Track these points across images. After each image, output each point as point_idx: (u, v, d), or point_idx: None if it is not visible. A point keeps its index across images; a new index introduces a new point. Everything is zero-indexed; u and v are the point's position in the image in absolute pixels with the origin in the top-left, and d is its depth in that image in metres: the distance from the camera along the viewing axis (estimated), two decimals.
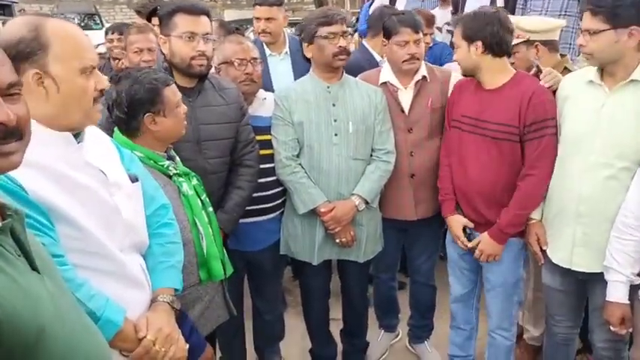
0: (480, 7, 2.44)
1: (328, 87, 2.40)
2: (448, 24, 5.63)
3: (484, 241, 2.32)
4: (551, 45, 2.63)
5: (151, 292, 1.50)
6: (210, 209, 1.95)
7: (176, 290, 1.58)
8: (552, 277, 2.28)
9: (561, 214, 2.15)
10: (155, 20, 3.20)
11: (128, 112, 1.77)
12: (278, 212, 2.52)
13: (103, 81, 1.37)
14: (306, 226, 2.46)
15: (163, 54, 2.18)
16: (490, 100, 2.27)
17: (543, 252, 2.26)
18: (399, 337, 3.19)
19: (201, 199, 1.90)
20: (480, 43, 2.20)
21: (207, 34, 2.10)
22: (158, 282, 1.53)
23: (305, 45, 2.37)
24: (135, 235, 1.48)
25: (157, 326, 1.40)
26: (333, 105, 2.39)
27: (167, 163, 1.84)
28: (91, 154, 1.38)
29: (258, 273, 2.62)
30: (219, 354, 2.65)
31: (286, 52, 3.31)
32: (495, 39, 2.20)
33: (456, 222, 2.41)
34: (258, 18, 3.26)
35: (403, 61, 2.46)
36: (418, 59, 2.48)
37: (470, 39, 2.22)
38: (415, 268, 2.89)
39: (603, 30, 1.92)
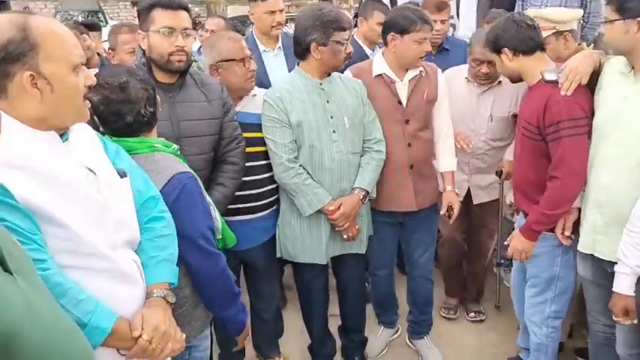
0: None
1: (321, 84, 2.38)
2: None
3: (515, 237, 2.35)
4: (574, 33, 2.65)
5: (145, 288, 1.48)
6: None
7: (171, 284, 1.55)
8: (584, 266, 2.26)
9: (586, 201, 2.18)
10: None
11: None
12: (269, 210, 2.50)
13: (91, 76, 1.35)
14: (306, 227, 2.44)
15: (142, 50, 2.14)
16: (526, 98, 2.36)
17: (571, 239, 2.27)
18: (399, 332, 3.18)
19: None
20: (506, 50, 2.24)
21: (186, 29, 2.06)
22: (151, 278, 1.51)
23: (314, 46, 2.28)
24: (127, 231, 1.46)
25: (153, 324, 1.38)
26: (327, 102, 2.37)
27: (177, 147, 1.85)
28: (77, 151, 1.36)
29: (253, 272, 2.62)
30: (217, 350, 2.67)
31: (279, 48, 3.29)
32: (518, 39, 2.21)
33: None
34: (273, 11, 3.20)
35: (420, 58, 2.51)
36: (430, 52, 2.63)
37: (497, 50, 2.29)
38: (413, 262, 2.88)
39: (614, 20, 1.97)
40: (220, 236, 1.93)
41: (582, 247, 2.19)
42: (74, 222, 1.28)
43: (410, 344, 3.10)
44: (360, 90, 2.48)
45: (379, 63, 2.58)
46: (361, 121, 2.46)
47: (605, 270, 2.13)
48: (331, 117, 2.37)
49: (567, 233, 2.24)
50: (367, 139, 2.49)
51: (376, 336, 3.06)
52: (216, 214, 1.88)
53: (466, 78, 2.88)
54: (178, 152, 1.82)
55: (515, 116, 2.71)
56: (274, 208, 2.53)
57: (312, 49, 2.29)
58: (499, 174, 2.94)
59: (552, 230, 2.27)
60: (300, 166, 2.36)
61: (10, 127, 0.99)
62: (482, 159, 2.95)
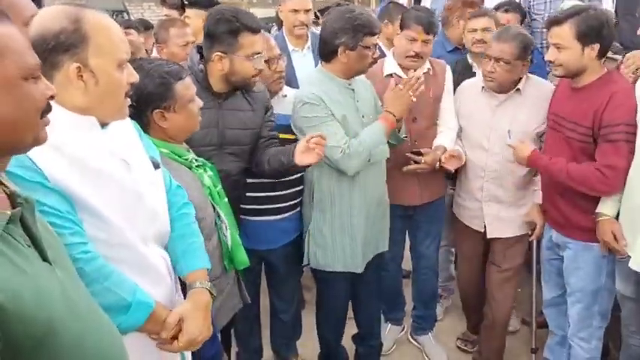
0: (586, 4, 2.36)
1: (350, 84, 2.34)
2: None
3: (523, 146, 2.36)
4: None
5: (173, 287, 1.48)
6: (226, 200, 1.92)
7: (208, 270, 1.58)
8: (625, 284, 2.20)
9: (636, 215, 2.08)
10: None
11: (136, 106, 1.65)
12: (293, 212, 2.47)
13: (134, 74, 1.35)
14: (339, 234, 2.36)
15: (200, 54, 2.11)
16: (573, 98, 2.23)
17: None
18: (405, 329, 3.17)
19: (217, 190, 1.89)
20: (597, 46, 2.09)
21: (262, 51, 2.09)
22: (192, 264, 1.52)
23: (342, 49, 2.21)
24: (158, 224, 1.46)
25: (191, 335, 1.38)
26: (358, 101, 2.35)
27: (191, 156, 1.81)
28: (114, 141, 1.36)
29: (274, 273, 2.60)
30: (235, 349, 2.64)
31: (308, 48, 3.27)
32: (609, 42, 2.14)
33: None
34: (297, 10, 3.17)
35: (407, 57, 2.54)
36: (422, 58, 2.55)
37: (586, 40, 2.09)
38: (420, 253, 2.91)
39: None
40: (226, 260, 1.92)
41: (633, 264, 2.07)
42: (108, 211, 1.28)
43: (412, 341, 3.09)
44: (372, 89, 2.48)
45: (390, 62, 2.62)
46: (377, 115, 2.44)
47: None
48: (362, 116, 2.34)
49: (624, 243, 2.12)
50: None
51: (384, 333, 3.01)
52: (227, 232, 1.87)
53: (483, 87, 2.59)
54: (194, 164, 1.80)
55: (541, 136, 2.50)
56: (298, 209, 2.49)
57: (340, 52, 2.23)
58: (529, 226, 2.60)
59: (597, 240, 2.21)
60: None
61: (53, 111, 0.99)
62: (498, 183, 2.58)
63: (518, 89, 2.50)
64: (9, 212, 0.87)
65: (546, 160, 2.29)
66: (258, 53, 2.03)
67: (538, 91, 2.49)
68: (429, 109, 2.64)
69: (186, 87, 1.74)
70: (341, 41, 2.21)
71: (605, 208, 2.18)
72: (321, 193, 2.35)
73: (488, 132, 2.54)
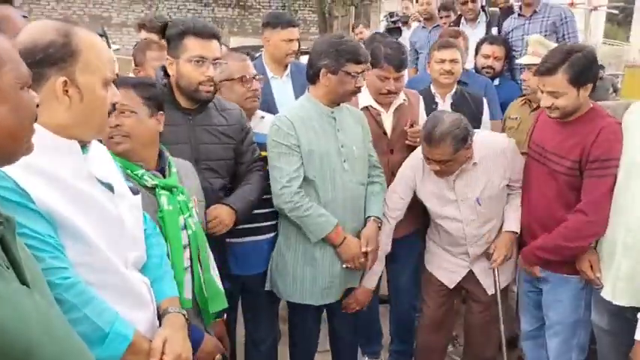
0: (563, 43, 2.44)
1: (332, 112, 2.32)
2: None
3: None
4: None
5: (155, 312, 1.44)
6: (193, 231, 1.75)
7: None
8: (600, 315, 2.19)
9: (610, 245, 2.11)
10: None
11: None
12: (275, 233, 2.43)
13: (117, 94, 1.35)
14: (299, 266, 2.32)
15: (164, 71, 2.14)
16: (560, 132, 2.23)
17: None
18: None
19: (184, 218, 1.73)
20: (590, 86, 2.13)
21: (217, 58, 2.06)
22: (162, 292, 1.49)
23: (324, 72, 2.22)
24: (137, 249, 1.43)
25: (176, 353, 1.34)
26: (338, 130, 2.32)
27: (142, 172, 1.69)
28: (96, 165, 1.35)
29: (253, 299, 2.53)
30: None
31: (287, 75, 3.29)
32: (597, 76, 2.18)
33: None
34: (291, 40, 3.21)
35: (380, 94, 2.54)
36: (395, 94, 2.56)
37: (580, 83, 2.12)
38: (396, 287, 2.87)
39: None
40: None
41: (605, 294, 2.10)
42: (93, 234, 1.25)
43: None
44: (363, 121, 2.46)
45: (365, 95, 2.60)
46: (366, 151, 2.43)
47: (625, 317, 2.06)
48: (342, 146, 2.31)
49: (598, 274, 2.15)
50: (376, 166, 2.50)
51: None
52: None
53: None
54: (146, 182, 1.68)
55: (509, 186, 2.46)
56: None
57: (322, 74, 2.23)
58: (489, 257, 2.50)
59: (575, 272, 2.22)
60: (302, 196, 2.23)
61: (36, 131, 0.99)
62: (482, 245, 2.51)
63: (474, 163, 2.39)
64: None
65: (533, 246, 2.29)
66: (203, 58, 2.01)
67: (488, 149, 2.39)
68: (405, 140, 2.64)
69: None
70: (324, 63, 2.22)
71: None
72: (287, 218, 2.29)
73: (457, 205, 2.43)
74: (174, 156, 1.86)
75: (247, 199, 2.19)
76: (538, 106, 2.75)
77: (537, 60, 2.62)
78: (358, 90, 2.30)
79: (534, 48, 2.78)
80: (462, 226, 2.46)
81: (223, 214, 2.10)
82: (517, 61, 2.84)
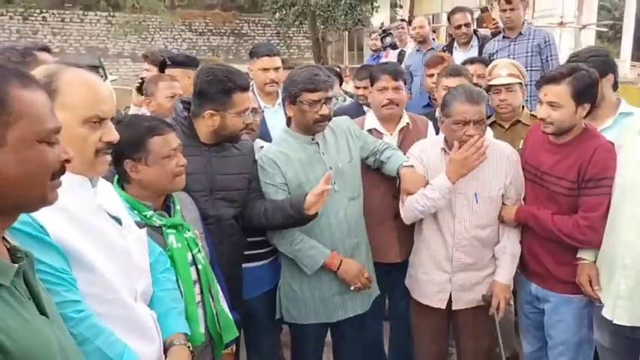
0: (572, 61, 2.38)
1: (313, 138, 2.36)
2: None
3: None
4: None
5: (161, 346, 1.47)
6: (202, 266, 1.83)
7: (186, 335, 1.56)
8: (602, 333, 2.20)
9: (609, 264, 2.12)
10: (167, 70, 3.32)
11: (114, 155, 1.66)
12: (271, 259, 2.48)
13: (113, 133, 1.36)
14: (307, 290, 2.38)
15: (186, 104, 2.21)
16: (555, 152, 2.26)
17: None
18: None
19: (192, 254, 1.81)
20: (588, 106, 2.16)
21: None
22: (171, 328, 1.52)
23: (287, 104, 2.33)
24: (144, 281, 1.48)
25: None
26: (323, 154, 2.36)
27: (150, 213, 1.77)
28: (104, 199, 1.40)
29: (254, 324, 2.53)
30: None
31: (279, 104, 3.31)
32: (595, 95, 2.19)
33: None
34: (266, 69, 3.24)
35: (382, 106, 2.62)
36: (397, 105, 2.63)
37: (581, 100, 2.13)
38: (397, 312, 2.85)
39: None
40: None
41: (605, 313, 2.12)
42: (102, 266, 1.29)
43: None
44: (343, 125, 2.47)
45: (370, 118, 2.72)
46: (357, 159, 2.46)
47: (625, 336, 2.08)
48: (330, 168, 2.32)
49: (597, 288, 2.17)
50: (378, 146, 2.52)
51: None
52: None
53: (442, 149, 2.43)
54: (155, 223, 1.76)
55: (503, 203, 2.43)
56: (275, 257, 2.50)
57: (286, 105, 2.34)
58: (487, 299, 2.40)
59: (578, 292, 2.23)
60: (291, 232, 2.29)
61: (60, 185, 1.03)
62: (467, 252, 2.40)
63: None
64: (16, 265, 0.90)
65: (534, 208, 2.32)
66: (247, 109, 2.13)
67: (494, 150, 2.38)
68: None
69: (163, 144, 1.76)
70: (284, 95, 2.35)
71: (585, 253, 2.23)
72: None
73: (454, 196, 2.36)
74: (190, 185, 1.95)
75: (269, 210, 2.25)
76: (511, 125, 2.87)
77: (516, 80, 2.77)
78: (324, 118, 2.27)
79: (510, 71, 2.83)
80: (453, 223, 2.39)
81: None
82: (494, 82, 2.86)
